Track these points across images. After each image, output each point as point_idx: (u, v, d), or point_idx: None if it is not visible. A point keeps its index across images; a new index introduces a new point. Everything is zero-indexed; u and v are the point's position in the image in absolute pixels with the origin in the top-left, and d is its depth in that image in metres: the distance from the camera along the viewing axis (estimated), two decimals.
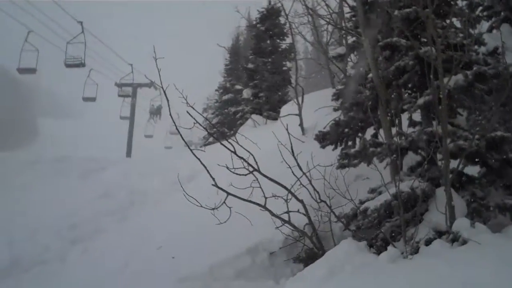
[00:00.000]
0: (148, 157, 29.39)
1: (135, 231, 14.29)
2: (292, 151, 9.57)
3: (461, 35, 9.00)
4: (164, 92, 8.28)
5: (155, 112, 44.82)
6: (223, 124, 32.62)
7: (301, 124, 18.18)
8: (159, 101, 43.61)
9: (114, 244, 13.61)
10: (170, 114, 8.63)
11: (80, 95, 36.18)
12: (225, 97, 35.83)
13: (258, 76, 28.62)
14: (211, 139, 32.38)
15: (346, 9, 20.28)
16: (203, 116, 12.01)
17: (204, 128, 9.49)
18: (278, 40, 29.61)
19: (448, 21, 9.29)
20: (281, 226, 9.59)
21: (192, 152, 8.85)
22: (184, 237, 12.18)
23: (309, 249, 9.86)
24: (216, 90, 40.73)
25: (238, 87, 34.52)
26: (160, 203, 17.12)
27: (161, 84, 8.11)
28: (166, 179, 19.29)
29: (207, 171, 8.81)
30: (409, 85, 9.67)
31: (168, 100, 8.57)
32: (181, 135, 9.41)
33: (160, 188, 18.97)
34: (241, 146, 9.26)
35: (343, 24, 20.23)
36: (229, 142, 9.16)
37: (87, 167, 23.67)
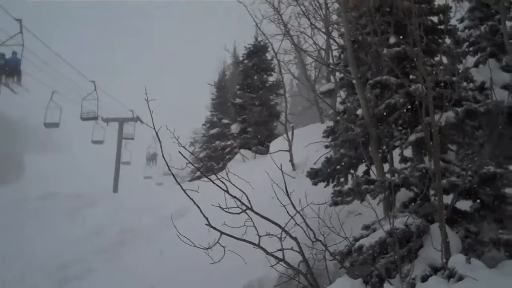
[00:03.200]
0: (136, 193, 29.29)
1: (127, 270, 14.18)
2: (286, 190, 9.60)
3: (449, 72, 9.19)
4: (157, 134, 8.32)
5: (151, 158, 49.91)
6: (210, 158, 32.58)
7: (291, 160, 18.25)
8: (154, 148, 46.64)
9: (105, 285, 13.48)
10: (163, 156, 8.64)
11: (65, 129, 35.92)
12: (212, 131, 35.88)
13: (246, 111, 28.83)
14: (198, 173, 32.37)
15: (334, 46, 20.73)
16: (192, 154, 12.07)
17: (198, 169, 9.44)
18: (265, 76, 29.95)
19: (436, 58, 9.50)
20: (275, 264, 9.55)
21: (186, 194, 8.77)
22: (177, 276, 12.10)
23: (304, 287, 9.82)
24: (203, 124, 40.79)
25: (225, 121, 34.71)
26: (152, 241, 17.03)
27: (154, 126, 8.13)
28: (156, 216, 19.24)
29: (201, 211, 8.76)
30: (400, 122, 9.81)
31: (160, 142, 8.62)
32: (174, 177, 9.42)
33: (150, 225, 18.87)
34: (233, 185, 9.27)
35: (331, 61, 20.56)
36: (221, 181, 9.16)
37: (74, 204, 23.58)
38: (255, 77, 29.55)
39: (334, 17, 22.63)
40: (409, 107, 9.13)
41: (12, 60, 24.07)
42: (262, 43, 29.63)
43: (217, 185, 9.03)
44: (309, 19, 21.21)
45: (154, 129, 8.07)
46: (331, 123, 13.91)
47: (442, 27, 10.05)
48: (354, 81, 10.34)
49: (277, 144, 21.17)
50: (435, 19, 10.25)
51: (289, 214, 9.56)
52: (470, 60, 13.23)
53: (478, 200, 8.50)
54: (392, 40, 9.60)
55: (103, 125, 38.88)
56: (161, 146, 8.52)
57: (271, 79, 30.49)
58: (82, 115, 33.86)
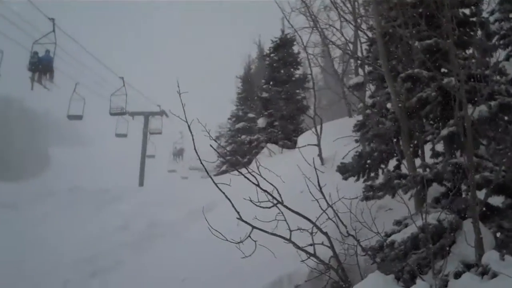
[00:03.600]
0: (161, 187, 29.47)
1: (156, 263, 14.27)
2: (319, 184, 9.59)
3: (481, 65, 9.07)
4: (189, 127, 8.36)
5: (178, 153, 51.36)
6: (236, 153, 32.63)
7: (320, 155, 18.18)
8: (181, 143, 48.63)
9: (135, 277, 13.60)
10: (195, 149, 8.68)
11: (89, 123, 36.61)
12: (238, 125, 35.90)
13: (272, 105, 28.79)
14: (224, 168, 32.51)
15: (362, 39, 20.57)
16: (223, 147, 12.18)
17: (229, 162, 9.41)
18: (292, 69, 29.85)
19: (468, 51, 9.38)
20: (306, 259, 9.55)
21: (218, 187, 8.80)
22: (207, 269, 12.15)
23: (335, 282, 9.81)
24: (229, 119, 40.86)
25: (250, 115, 34.71)
26: (180, 235, 17.08)
27: (186, 120, 8.17)
28: (183, 210, 19.33)
29: (232, 205, 8.80)
30: (431, 116, 9.72)
31: (192, 135, 8.67)
32: (206, 170, 9.49)
33: (178, 219, 18.96)
34: (264, 179, 9.28)
35: (359, 54, 20.43)
36: (252, 175, 9.17)
37: (101, 198, 23.83)
38: (282, 71, 29.46)
39: (362, 9, 22.54)
40: (441, 100, 9.02)
41: (45, 58, 24.60)
42: (288, 37, 29.50)
43: (248, 179, 9.05)
44: (338, 10, 21.05)
45: (187, 122, 8.10)
46: (360, 117, 13.86)
47: (474, 19, 9.91)
48: (384, 75, 10.24)
49: (305, 139, 21.10)
50: (466, 11, 10.11)
51: (321, 208, 9.56)
52: (501, 53, 13.05)
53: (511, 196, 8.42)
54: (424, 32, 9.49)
55: (127, 119, 39.44)
56: (193, 139, 8.58)
57: (298, 72, 30.35)
58: (111, 110, 35.08)
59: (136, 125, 43.07)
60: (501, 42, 12.85)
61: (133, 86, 35.16)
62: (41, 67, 24.57)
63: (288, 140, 27.61)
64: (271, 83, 29.71)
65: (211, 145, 9.08)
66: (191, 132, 8.61)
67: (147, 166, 43.65)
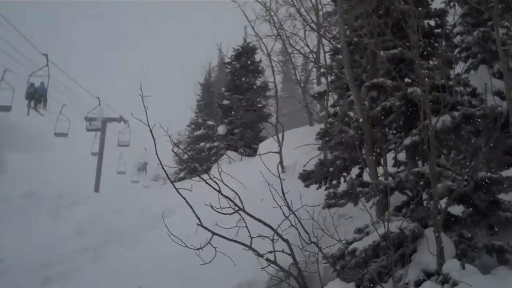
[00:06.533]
0: (118, 193, 29.15)
1: (112, 270, 14.02)
2: (282, 191, 9.57)
3: (444, 76, 9.21)
4: (151, 131, 8.24)
5: (142, 168, 53.10)
6: (195, 160, 32.52)
7: (281, 162, 18.20)
8: (145, 158, 50.39)
9: (89, 284, 13.33)
10: (156, 153, 8.56)
11: (48, 128, 36.48)
12: (197, 132, 35.85)
13: (233, 112, 28.80)
14: (182, 174, 32.35)
15: (326, 48, 20.74)
16: (185, 152, 12.12)
17: (188, 165, 9.35)
18: (253, 78, 29.98)
19: (432, 62, 9.53)
20: (266, 266, 9.49)
21: (179, 193, 8.68)
22: (165, 276, 11.99)
23: None
24: (188, 126, 40.72)
25: (210, 122, 34.70)
26: (137, 242, 16.87)
27: (148, 124, 8.06)
28: (140, 216, 19.15)
29: (193, 211, 8.68)
30: (394, 125, 9.83)
31: (154, 140, 8.54)
32: (167, 174, 9.38)
33: (134, 225, 18.76)
34: (226, 185, 9.20)
35: (322, 63, 20.57)
36: (213, 181, 9.08)
37: (57, 203, 23.37)
38: (243, 79, 29.55)
39: (325, 21, 22.67)
40: (405, 110, 9.12)
41: (40, 88, 29.09)
42: (250, 45, 29.62)
43: (209, 184, 8.96)
44: (303, 18, 21.14)
45: (149, 125, 8.00)
46: (320, 126, 13.94)
47: (439, 30, 10.10)
48: (349, 83, 10.30)
49: (266, 146, 21.12)
50: (431, 22, 10.29)
51: (284, 215, 9.53)
52: (462, 65, 13.32)
53: (472, 206, 8.53)
54: (389, 42, 9.61)
55: (68, 117, 38.79)
56: (155, 144, 8.46)
57: (259, 80, 30.49)
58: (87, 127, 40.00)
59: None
60: (463, 54, 13.15)
61: (89, 90, 34.97)
62: (37, 96, 28.96)
63: (248, 147, 27.65)
64: (232, 90, 29.69)
65: (172, 150, 8.99)
66: (153, 136, 8.48)
67: (109, 177, 43.49)
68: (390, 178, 8.94)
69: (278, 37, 23.47)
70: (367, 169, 9.85)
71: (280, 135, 19.21)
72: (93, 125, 40.43)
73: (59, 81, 32.11)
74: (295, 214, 9.64)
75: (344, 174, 10.89)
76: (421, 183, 8.27)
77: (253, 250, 9.18)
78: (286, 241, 9.47)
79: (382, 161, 10.42)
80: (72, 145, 40.82)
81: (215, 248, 8.77)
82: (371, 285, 8.24)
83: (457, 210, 8.84)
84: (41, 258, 15.71)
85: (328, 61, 18.19)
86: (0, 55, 27.33)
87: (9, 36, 27.69)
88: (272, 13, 22.23)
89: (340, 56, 11.92)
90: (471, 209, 8.58)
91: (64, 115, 35.25)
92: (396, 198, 9.20)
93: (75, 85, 37.00)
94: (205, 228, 8.82)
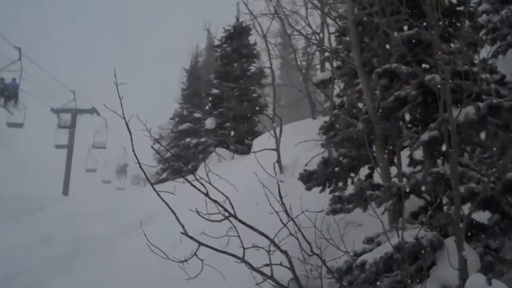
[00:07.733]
0: (90, 195, 29.14)
1: (84, 284, 14.01)
2: (280, 194, 9.51)
3: (468, 61, 9.16)
4: (127, 125, 8.19)
5: (121, 170, 53.26)
6: (180, 158, 32.42)
7: (279, 161, 18.15)
8: (124, 159, 50.40)
9: None
10: (133, 150, 8.50)
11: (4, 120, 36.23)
12: (182, 126, 35.79)
13: (223, 103, 28.72)
14: (164, 175, 32.31)
15: (331, 28, 20.67)
16: (168, 150, 12.04)
17: (171, 165, 9.30)
18: (247, 63, 29.85)
19: (453, 45, 9.49)
20: (262, 282, 9.44)
21: (160, 197, 8.61)
22: None
23: None
24: (171, 119, 40.66)
25: (197, 115, 34.66)
26: (111, 251, 16.86)
27: (124, 116, 8.01)
28: (116, 223, 19.12)
29: (176, 217, 8.60)
30: (410, 118, 9.79)
31: (131, 133, 8.49)
32: (146, 176, 9.35)
33: (109, 233, 18.73)
34: (215, 187, 9.15)
35: (326, 46, 20.52)
36: (200, 183, 9.03)
37: (21, 206, 23.33)
38: (235, 65, 29.49)
39: None
40: (422, 100, 9.08)
41: (11, 85, 30.30)
42: (244, 25, 29.50)
43: (195, 187, 8.89)
44: None
45: (124, 118, 7.94)
46: (325, 119, 13.90)
47: (461, 8, 10.03)
48: (357, 69, 10.26)
49: (262, 142, 21.07)
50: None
51: (282, 222, 9.47)
52: (488, 49, 13.27)
53: (499, 212, 8.50)
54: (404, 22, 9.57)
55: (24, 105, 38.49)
56: (131, 138, 8.39)
57: (254, 66, 30.38)
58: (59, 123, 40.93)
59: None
60: (489, 36, 13.11)
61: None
62: (7, 93, 30.23)
63: (241, 144, 27.60)
64: (222, 78, 29.61)
65: (152, 147, 8.91)
66: (129, 130, 8.42)
67: (78, 176, 43.40)
68: (404, 180, 8.88)
69: (276, 15, 23.42)
70: (378, 169, 9.83)
71: (277, 129, 19.13)
72: (64, 121, 40.56)
73: (33, 75, 32.54)
74: (294, 221, 9.57)
75: (352, 174, 10.86)
76: (441, 185, 8.22)
77: (246, 262, 9.12)
78: (285, 252, 9.42)
79: (395, 159, 10.39)
80: (36, 140, 40.59)
81: (202, 260, 8.70)
82: None
83: (482, 216, 8.82)
84: (3, 269, 15.63)
85: (334, 44, 18.20)
86: None
87: None
88: None
89: (347, 38, 11.87)
90: (498, 215, 8.55)
91: (20, 102, 33.26)
92: (412, 203, 9.17)
93: (51, 81, 36.93)
94: (190, 237, 8.74)
